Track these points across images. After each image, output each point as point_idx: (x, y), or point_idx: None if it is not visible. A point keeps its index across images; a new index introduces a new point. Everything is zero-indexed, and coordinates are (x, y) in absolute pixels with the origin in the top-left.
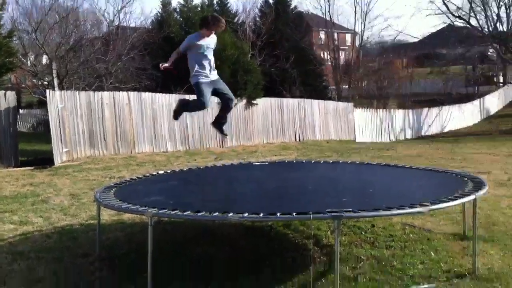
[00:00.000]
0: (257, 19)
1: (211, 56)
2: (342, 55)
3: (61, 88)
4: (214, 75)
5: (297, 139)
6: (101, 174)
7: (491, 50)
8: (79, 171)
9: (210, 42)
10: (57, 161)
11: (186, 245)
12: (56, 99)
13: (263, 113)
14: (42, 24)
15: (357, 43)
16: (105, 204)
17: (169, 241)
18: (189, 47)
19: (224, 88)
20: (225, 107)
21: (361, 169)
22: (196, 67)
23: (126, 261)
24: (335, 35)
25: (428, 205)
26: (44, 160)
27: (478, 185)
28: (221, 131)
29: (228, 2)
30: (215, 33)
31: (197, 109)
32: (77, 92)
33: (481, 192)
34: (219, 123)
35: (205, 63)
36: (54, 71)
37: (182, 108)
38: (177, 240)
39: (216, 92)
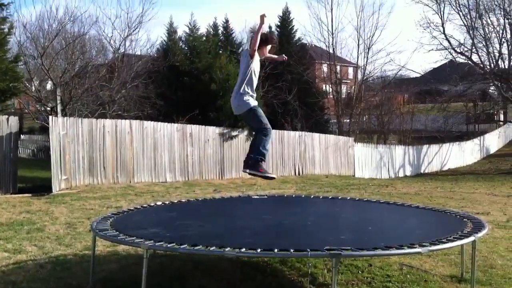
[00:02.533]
0: None
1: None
2: (344, 88)
3: (64, 114)
4: None
5: (297, 173)
6: (98, 203)
7: (492, 88)
8: (77, 199)
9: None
10: (55, 188)
11: (182, 279)
12: (58, 125)
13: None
14: (48, 50)
15: (359, 76)
16: (101, 234)
17: (164, 274)
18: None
19: None
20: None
21: (360, 206)
22: (250, 93)
23: None
24: (338, 68)
25: (427, 246)
26: (42, 188)
27: (478, 226)
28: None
29: (233, 32)
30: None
31: (268, 140)
32: (80, 119)
33: (480, 234)
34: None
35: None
36: (58, 97)
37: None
38: (172, 273)
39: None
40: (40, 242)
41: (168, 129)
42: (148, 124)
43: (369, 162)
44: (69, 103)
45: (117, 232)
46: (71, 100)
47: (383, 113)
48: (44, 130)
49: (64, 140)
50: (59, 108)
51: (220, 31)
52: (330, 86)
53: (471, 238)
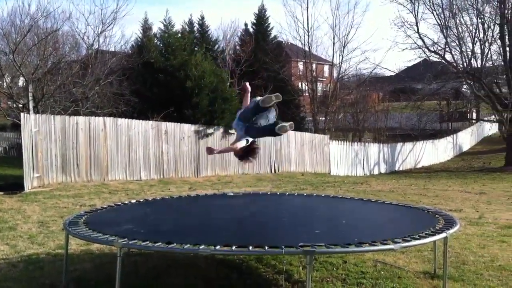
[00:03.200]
0: (237, 47)
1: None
2: (320, 86)
3: (36, 111)
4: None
5: (272, 171)
6: (72, 201)
7: (465, 86)
8: (50, 197)
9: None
10: (28, 186)
11: (157, 277)
12: (30, 122)
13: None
14: (21, 46)
15: (334, 75)
16: (74, 233)
17: (139, 273)
18: None
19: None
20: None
21: (335, 203)
22: None
23: None
24: (314, 66)
25: (399, 242)
26: (14, 186)
27: (450, 223)
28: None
29: (208, 30)
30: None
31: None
32: (52, 116)
33: (452, 231)
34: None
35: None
36: (30, 94)
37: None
38: (147, 272)
39: None
40: (12, 241)
41: (142, 127)
42: (122, 121)
43: (345, 159)
44: (42, 100)
45: (91, 231)
46: (44, 97)
47: (358, 111)
48: (16, 127)
49: (36, 137)
50: (31, 105)
51: (195, 28)
52: (306, 84)
53: (443, 235)
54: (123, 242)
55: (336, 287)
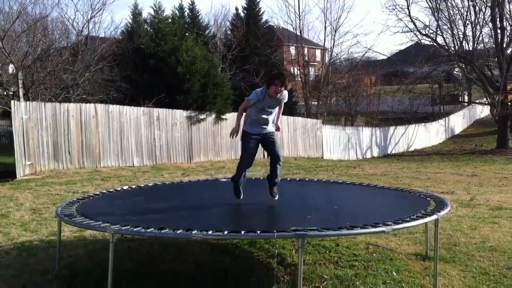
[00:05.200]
0: (228, 32)
1: (270, 116)
2: (312, 71)
3: (27, 99)
4: (267, 130)
5: (265, 155)
6: (64, 188)
7: (456, 69)
8: (42, 185)
9: (273, 103)
10: (20, 174)
11: (150, 262)
12: (21, 110)
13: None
14: (9, 32)
15: (326, 59)
16: (66, 220)
17: (132, 258)
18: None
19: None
20: (272, 166)
21: (327, 187)
22: (250, 119)
23: (86, 280)
24: (305, 50)
25: (390, 225)
26: (6, 173)
27: (441, 205)
28: (271, 192)
29: (199, 15)
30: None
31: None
32: (43, 103)
33: (443, 213)
34: (270, 183)
35: (261, 119)
36: (20, 81)
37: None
38: (140, 257)
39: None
40: (5, 229)
41: (134, 113)
42: (114, 108)
43: (337, 144)
44: (32, 87)
45: (83, 217)
46: (34, 84)
47: (351, 95)
48: (7, 115)
49: (27, 124)
50: (21, 92)
51: (186, 13)
52: (298, 68)
53: (434, 217)
54: (116, 228)
55: (328, 270)
